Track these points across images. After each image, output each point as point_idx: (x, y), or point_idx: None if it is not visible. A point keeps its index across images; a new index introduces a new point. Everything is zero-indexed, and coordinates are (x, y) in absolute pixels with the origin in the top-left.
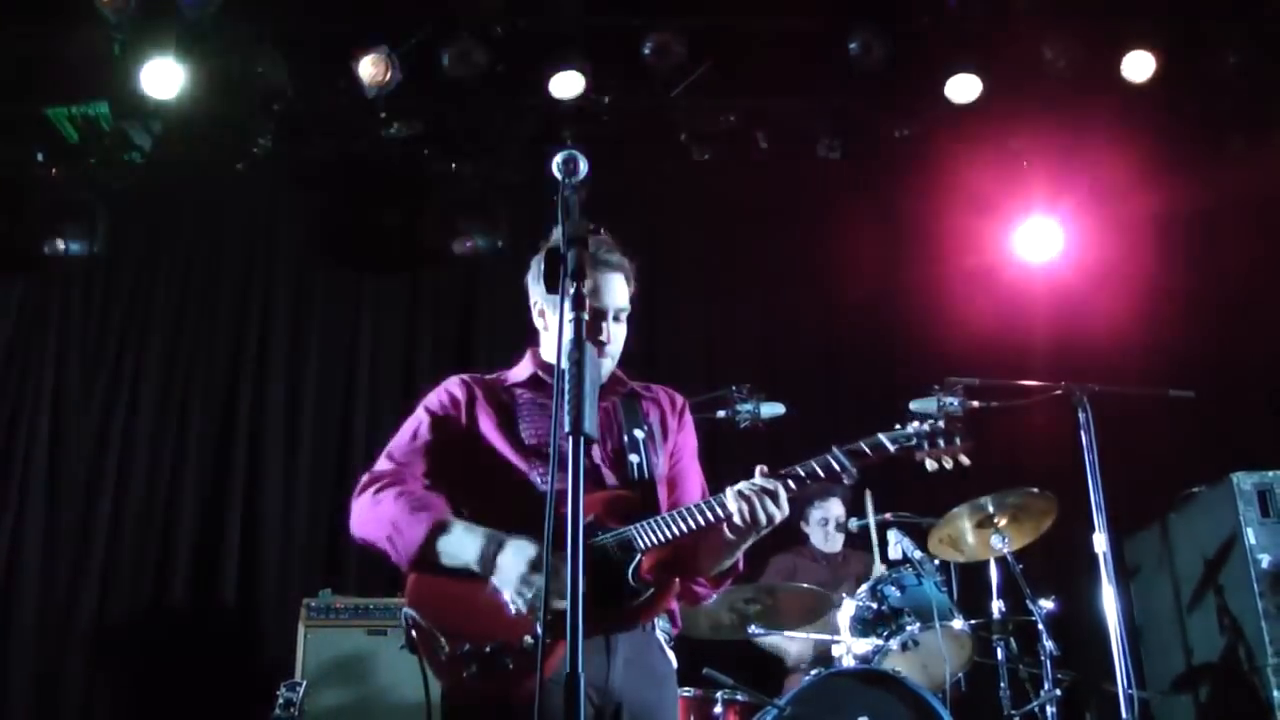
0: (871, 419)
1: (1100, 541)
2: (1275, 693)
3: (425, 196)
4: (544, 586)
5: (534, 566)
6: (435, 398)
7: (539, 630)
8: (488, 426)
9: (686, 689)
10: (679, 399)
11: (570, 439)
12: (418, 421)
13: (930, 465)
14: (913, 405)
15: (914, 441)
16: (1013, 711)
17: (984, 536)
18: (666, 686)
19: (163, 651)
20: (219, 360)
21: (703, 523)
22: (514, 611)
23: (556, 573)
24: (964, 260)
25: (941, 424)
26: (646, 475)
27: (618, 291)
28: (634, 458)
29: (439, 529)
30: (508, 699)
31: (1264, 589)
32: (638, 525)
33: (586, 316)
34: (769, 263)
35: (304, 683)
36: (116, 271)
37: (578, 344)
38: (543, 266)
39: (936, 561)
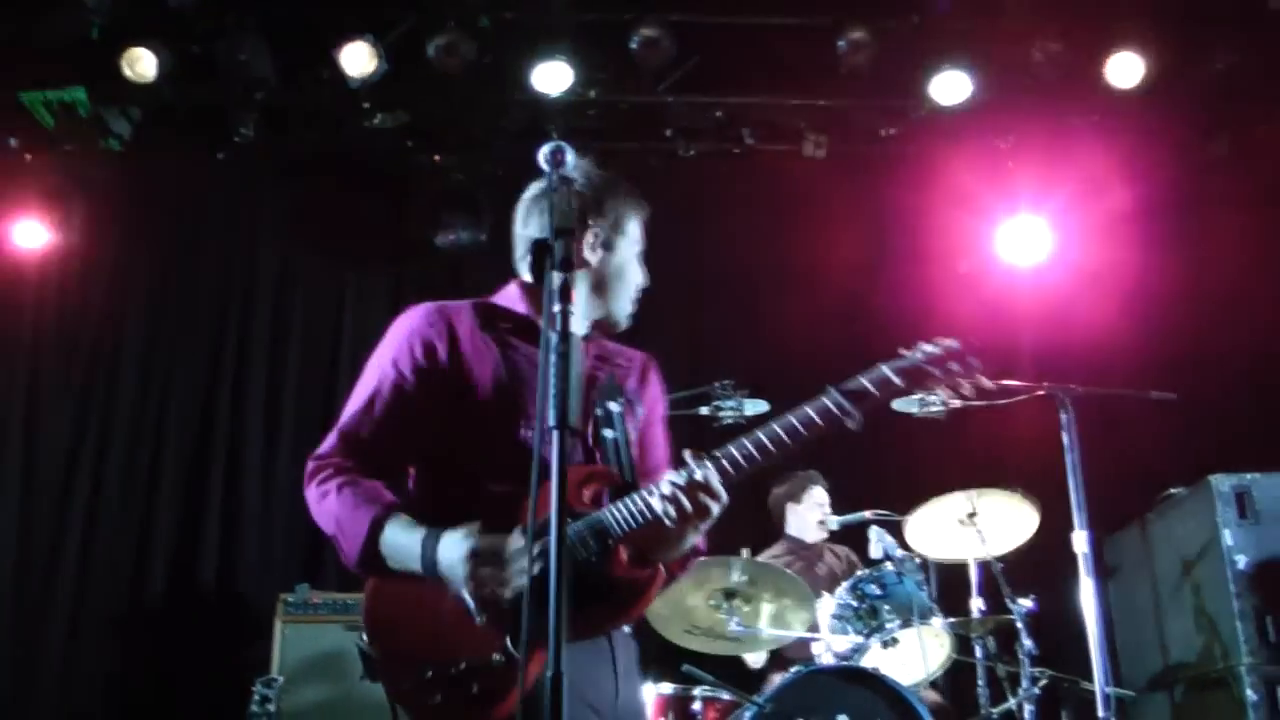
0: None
1: (1080, 541)
2: (1249, 692)
3: (409, 189)
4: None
5: (478, 557)
6: (405, 344)
7: (515, 640)
8: (478, 382)
9: (665, 686)
10: (649, 361)
11: (555, 432)
12: (380, 379)
13: (944, 396)
14: (894, 404)
15: (924, 367)
16: (991, 710)
17: (964, 535)
18: (642, 687)
19: (140, 646)
20: (199, 352)
21: (640, 521)
22: (477, 619)
23: (507, 561)
24: (949, 259)
25: (955, 344)
26: (623, 456)
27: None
28: (608, 431)
29: (378, 527)
30: None
31: (1240, 589)
32: (611, 508)
33: (573, 310)
34: (754, 259)
35: (280, 679)
36: (95, 259)
37: (564, 337)
38: (529, 257)
39: (917, 560)
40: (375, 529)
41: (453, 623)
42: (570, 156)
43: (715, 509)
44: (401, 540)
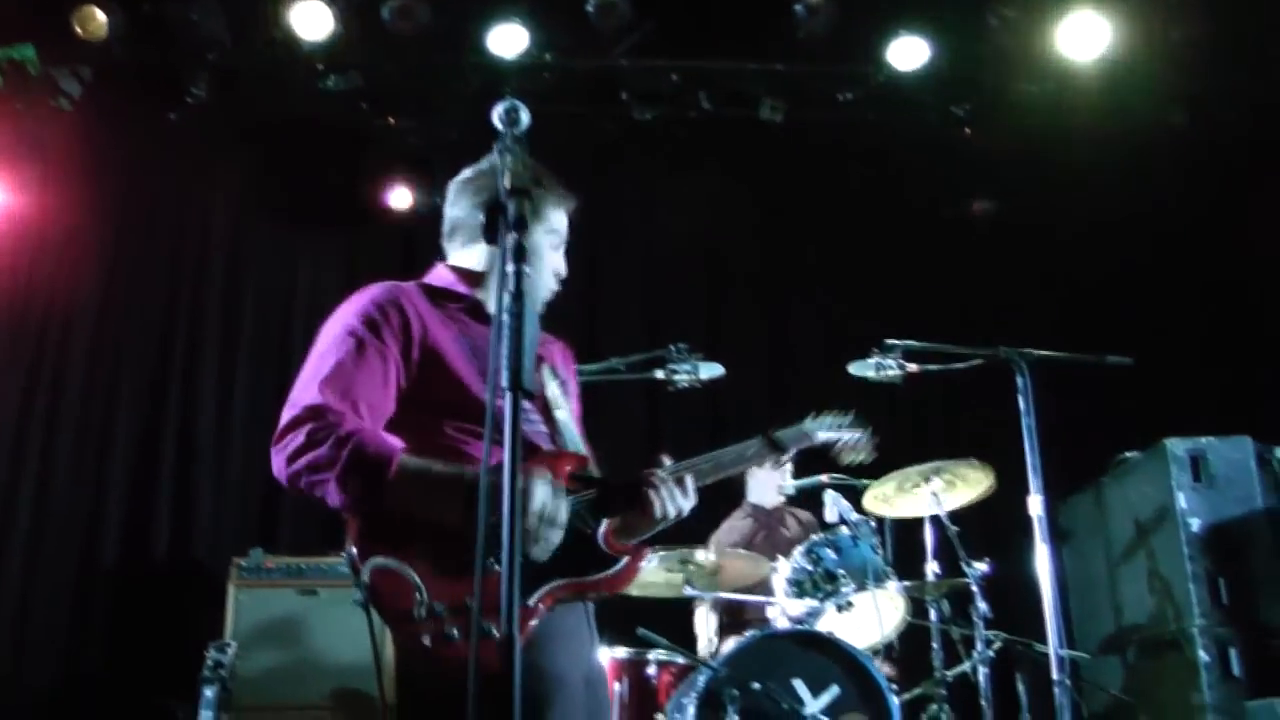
0: (811, 380)
1: (1036, 504)
2: (1202, 654)
3: (364, 152)
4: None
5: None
6: (368, 311)
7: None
8: (442, 353)
9: (619, 650)
10: (567, 347)
11: (509, 394)
12: (345, 343)
13: (844, 460)
14: (851, 368)
15: (831, 442)
16: (945, 673)
17: (919, 496)
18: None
19: (93, 613)
20: (152, 315)
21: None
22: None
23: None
24: (905, 225)
25: (856, 433)
26: (569, 430)
27: (565, 221)
28: (559, 414)
29: (399, 459)
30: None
31: (1193, 552)
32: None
33: (529, 270)
34: (710, 223)
35: (234, 644)
36: (45, 220)
37: (517, 297)
38: (482, 218)
39: (872, 524)
40: (397, 461)
41: (459, 563)
42: (525, 115)
43: (685, 511)
44: (437, 467)
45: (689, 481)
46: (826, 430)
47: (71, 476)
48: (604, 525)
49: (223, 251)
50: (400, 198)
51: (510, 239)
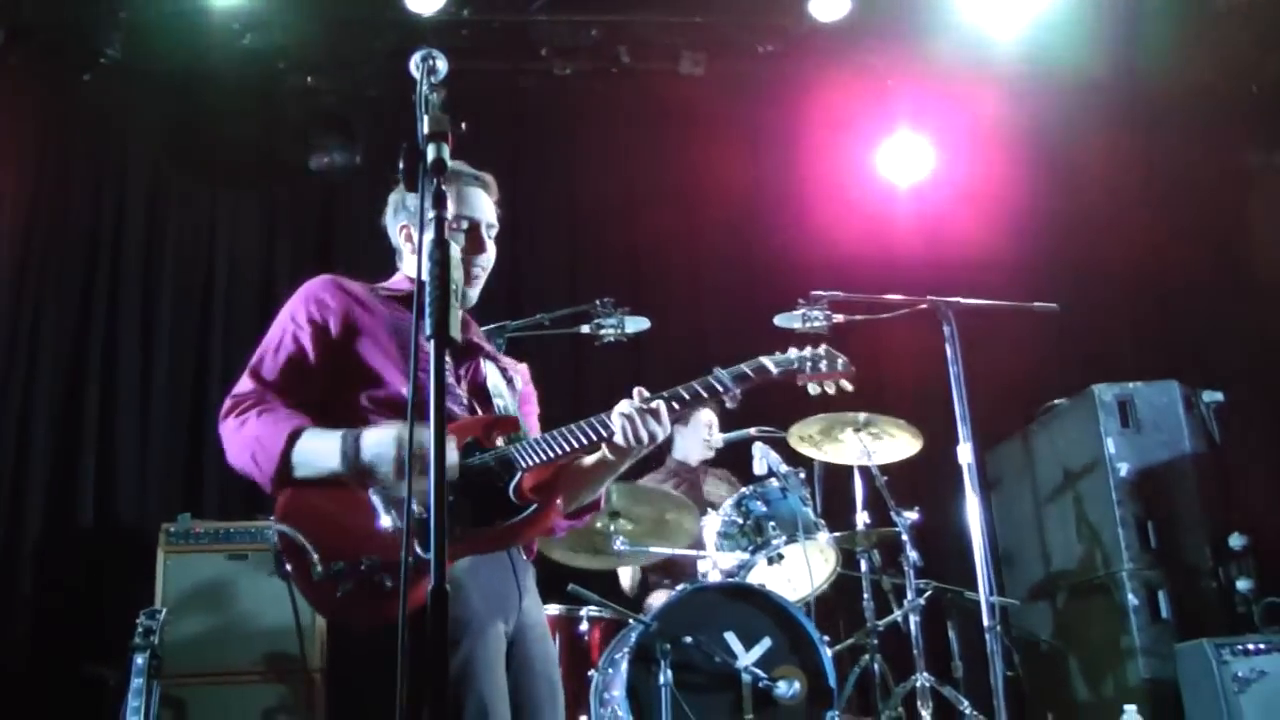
0: (736, 334)
1: (965, 453)
2: (1130, 597)
3: (281, 111)
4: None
5: (402, 443)
6: (303, 304)
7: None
8: (365, 337)
9: (551, 607)
10: (524, 367)
11: (432, 342)
12: (283, 330)
13: (813, 389)
14: (777, 320)
15: (796, 365)
16: (876, 623)
17: (845, 444)
18: (543, 614)
19: (18, 579)
20: (71, 278)
21: (585, 441)
22: (383, 519)
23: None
24: (829, 178)
25: (823, 350)
26: (513, 412)
27: (485, 206)
28: (499, 401)
29: (296, 435)
30: (388, 620)
31: (1122, 497)
32: (518, 444)
33: (448, 215)
34: (632, 178)
35: (164, 610)
36: None
37: (439, 243)
38: (400, 163)
39: (801, 475)
40: (294, 437)
41: (364, 523)
42: (442, 63)
43: (659, 437)
44: (319, 442)
45: (660, 408)
46: (781, 359)
47: None
48: (518, 477)
49: (141, 211)
50: (319, 155)
51: (430, 183)
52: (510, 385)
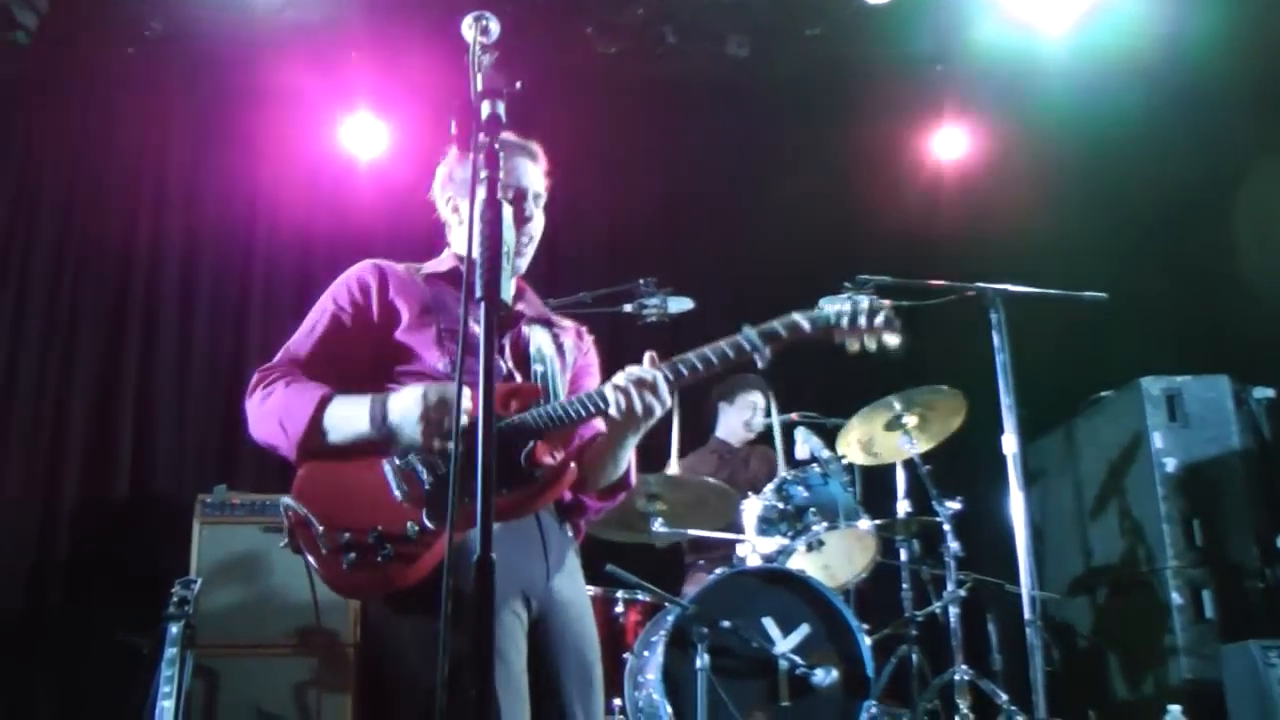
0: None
1: (1010, 443)
2: (1174, 595)
3: (327, 85)
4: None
5: (428, 401)
6: (344, 285)
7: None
8: (403, 316)
9: (588, 588)
10: (586, 332)
11: (482, 307)
12: (321, 311)
13: (852, 346)
14: (822, 303)
15: (833, 321)
16: (915, 613)
17: (892, 438)
18: (583, 586)
19: (55, 550)
20: (110, 251)
21: (584, 413)
22: (396, 492)
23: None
24: (874, 159)
25: (864, 302)
26: (551, 382)
27: (531, 174)
28: (538, 367)
29: (325, 402)
30: (393, 588)
31: (1167, 493)
32: (532, 411)
33: (502, 176)
34: (675, 159)
35: (199, 580)
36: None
37: (490, 202)
38: (452, 124)
39: (843, 461)
40: (323, 404)
41: (373, 495)
42: (494, 25)
43: (657, 410)
44: (349, 408)
45: (657, 379)
46: (816, 314)
47: (31, 415)
48: (530, 446)
49: (181, 184)
50: (358, 135)
51: (481, 139)
52: (561, 351)
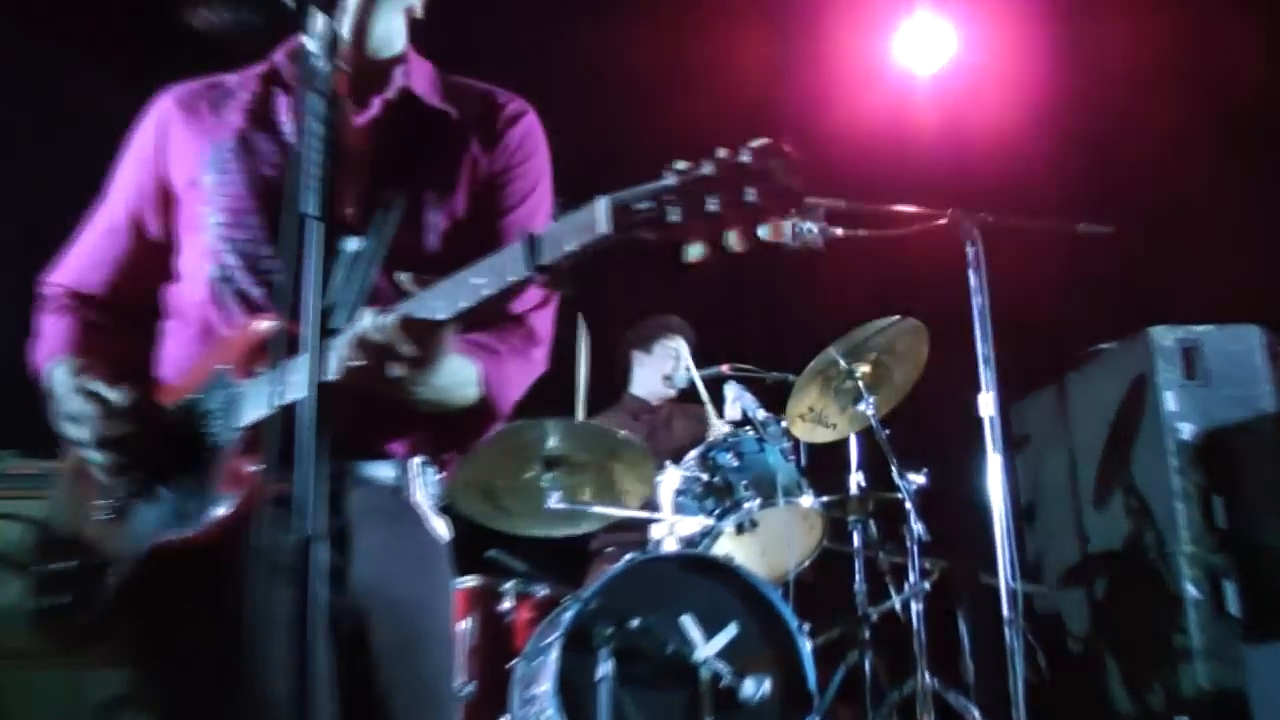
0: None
1: (988, 403)
2: (1189, 587)
3: None
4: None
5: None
6: (129, 148)
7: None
8: (179, 173)
9: (467, 578)
10: (510, 106)
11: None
12: (103, 195)
13: (695, 253)
14: (759, 231)
15: (654, 212)
16: (869, 610)
17: (846, 400)
18: (436, 572)
19: None
20: None
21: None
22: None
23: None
24: (839, 65)
25: (730, 156)
26: (360, 282)
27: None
28: (353, 243)
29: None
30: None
31: (1182, 464)
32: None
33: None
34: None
35: None
36: None
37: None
38: None
39: (784, 422)
40: (49, 362)
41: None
42: None
43: (398, 368)
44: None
45: (396, 335)
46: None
47: None
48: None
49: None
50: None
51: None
52: (436, 193)
